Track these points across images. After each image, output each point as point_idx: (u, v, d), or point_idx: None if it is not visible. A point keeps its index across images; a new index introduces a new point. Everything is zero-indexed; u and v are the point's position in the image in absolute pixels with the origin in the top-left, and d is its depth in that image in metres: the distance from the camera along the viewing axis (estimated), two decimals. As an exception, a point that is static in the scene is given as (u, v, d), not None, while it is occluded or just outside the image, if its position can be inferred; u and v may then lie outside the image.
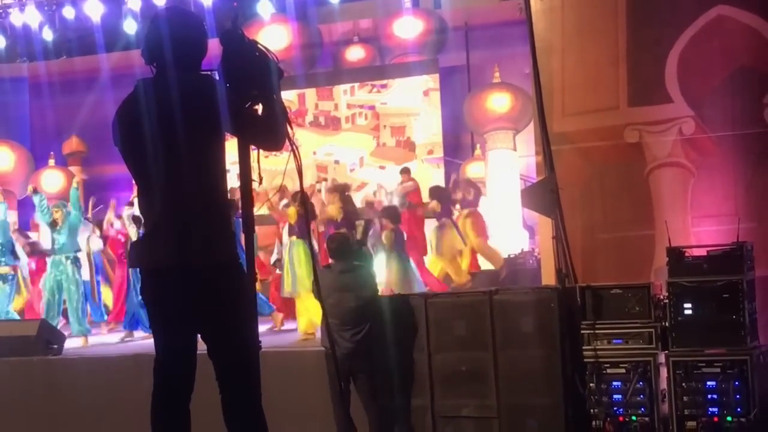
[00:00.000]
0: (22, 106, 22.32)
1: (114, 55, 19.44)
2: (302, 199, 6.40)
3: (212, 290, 4.30)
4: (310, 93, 20.73)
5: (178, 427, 4.46)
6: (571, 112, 9.28)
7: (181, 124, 4.21)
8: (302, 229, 11.78)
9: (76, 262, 13.59)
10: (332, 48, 20.80)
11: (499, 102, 18.03)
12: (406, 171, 16.11)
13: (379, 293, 9.05)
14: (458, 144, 20.29)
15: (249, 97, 4.29)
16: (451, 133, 20.12)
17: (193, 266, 4.27)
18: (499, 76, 18.29)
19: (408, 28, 20.04)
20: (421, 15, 20.25)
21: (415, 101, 20.22)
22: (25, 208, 20.47)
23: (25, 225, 18.61)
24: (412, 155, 20.14)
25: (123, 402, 9.94)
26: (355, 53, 20.76)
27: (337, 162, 20.58)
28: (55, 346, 11.73)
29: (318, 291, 5.55)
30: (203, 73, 4.40)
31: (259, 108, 4.31)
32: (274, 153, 4.49)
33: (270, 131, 4.33)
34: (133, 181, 4.44)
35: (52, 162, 20.92)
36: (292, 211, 12.14)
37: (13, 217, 17.99)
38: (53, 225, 13.74)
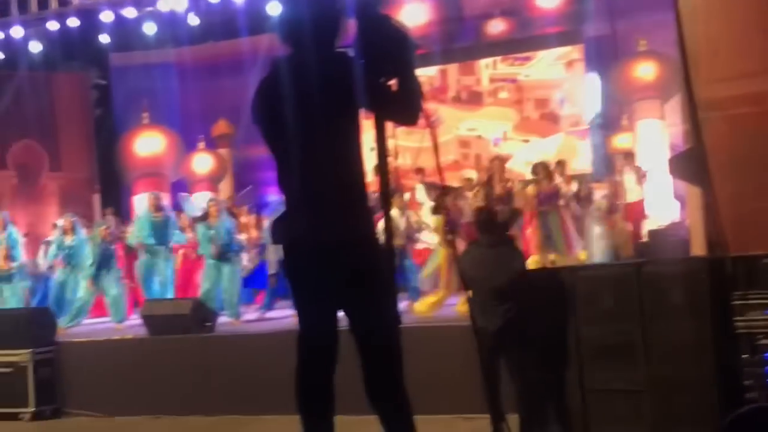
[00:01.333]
0: (171, 92, 22.91)
1: (259, 38, 19.77)
2: (441, 176, 6.35)
3: (352, 266, 4.34)
4: (452, 68, 20.71)
5: (322, 401, 4.52)
6: (718, 78, 9.02)
7: (318, 102, 4.26)
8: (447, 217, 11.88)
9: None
10: (473, 22, 20.70)
11: (645, 71, 17.75)
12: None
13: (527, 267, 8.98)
14: (605, 115, 19.99)
15: (385, 73, 4.32)
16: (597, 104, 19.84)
17: (333, 242, 4.31)
18: (645, 45, 17.94)
19: (548, -1, 19.81)
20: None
21: (559, 73, 19.99)
22: (178, 190, 21.08)
23: (177, 206, 19.13)
24: (556, 128, 19.94)
25: (273, 378, 10.14)
26: (496, 26, 20.62)
27: (479, 137, 20.52)
28: (209, 324, 12.05)
29: (461, 269, 5.53)
30: (339, 50, 4.43)
31: (394, 83, 4.33)
32: (410, 127, 4.49)
33: (406, 107, 4.35)
34: (274, 159, 4.51)
35: (201, 145, 21.46)
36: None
37: (166, 200, 18.54)
38: (203, 218, 14.17)
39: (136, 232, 15.44)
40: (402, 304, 11.67)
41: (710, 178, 8.47)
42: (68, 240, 15.17)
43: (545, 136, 20.04)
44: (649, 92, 17.69)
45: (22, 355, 11.97)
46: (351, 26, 4.39)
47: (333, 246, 4.32)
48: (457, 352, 9.43)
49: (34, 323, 12.33)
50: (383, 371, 4.43)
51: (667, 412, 8.09)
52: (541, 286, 8.61)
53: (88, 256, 15.01)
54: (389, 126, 4.43)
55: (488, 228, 8.65)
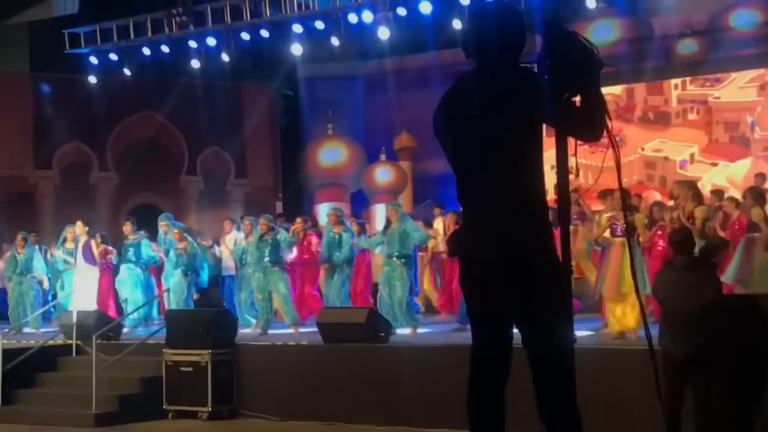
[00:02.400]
0: (356, 104, 23.26)
1: (444, 53, 19.88)
2: (622, 196, 6.22)
3: (528, 281, 4.31)
4: (639, 88, 20.35)
5: (493, 415, 4.49)
6: None
7: (500, 116, 4.25)
8: (625, 227, 11.56)
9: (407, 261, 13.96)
10: (663, 41, 20.27)
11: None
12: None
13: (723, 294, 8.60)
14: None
15: (569, 89, 4.28)
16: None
17: (509, 257, 4.30)
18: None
19: (744, 19, 19.22)
20: (758, 6, 19.36)
21: (751, 95, 19.39)
22: (357, 201, 21.39)
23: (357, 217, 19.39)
24: (746, 152, 19.34)
25: (445, 391, 10.15)
26: (687, 46, 20.13)
27: (666, 158, 20.08)
28: (383, 334, 12.14)
29: (636, 289, 5.37)
30: (523, 65, 4.42)
31: (578, 99, 4.28)
32: (592, 144, 4.43)
33: (589, 123, 4.30)
34: (454, 172, 4.52)
35: (383, 157, 21.70)
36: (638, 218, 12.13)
37: (347, 210, 18.82)
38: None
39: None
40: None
41: None
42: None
43: (734, 160, 19.44)
44: None
45: (202, 355, 12.33)
46: (537, 42, 4.37)
47: (508, 261, 4.30)
48: (634, 376, 9.25)
49: (215, 324, 12.68)
50: (555, 391, 4.37)
51: None
52: (735, 314, 8.27)
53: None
54: (571, 143, 4.38)
55: (683, 250, 8.37)
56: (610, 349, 10.32)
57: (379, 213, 20.43)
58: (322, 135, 22.19)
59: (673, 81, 20.18)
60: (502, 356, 4.48)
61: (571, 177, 4.36)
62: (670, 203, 13.87)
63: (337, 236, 14.63)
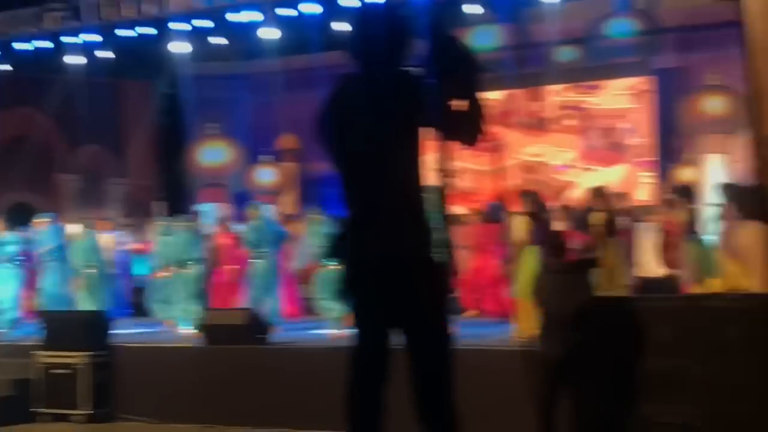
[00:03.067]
0: (239, 104, 23.10)
1: (329, 54, 19.87)
2: (506, 198, 6.31)
3: (412, 284, 4.35)
4: (519, 94, 20.67)
5: (371, 419, 4.53)
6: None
7: (386, 120, 4.30)
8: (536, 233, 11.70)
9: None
10: (542, 48, 20.66)
11: (713, 105, 17.57)
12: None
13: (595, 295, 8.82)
14: (669, 147, 19.83)
15: (451, 93, 4.34)
16: (663, 137, 19.69)
17: (391, 260, 4.34)
18: (714, 78, 17.80)
19: (621, 28, 19.70)
20: (634, 16, 19.86)
21: (626, 103, 19.88)
22: (240, 201, 21.25)
23: (238, 217, 19.30)
24: (620, 158, 19.83)
25: (324, 393, 10.14)
26: (565, 54, 20.55)
27: (544, 163, 20.46)
28: (263, 336, 12.10)
29: (533, 293, 5.53)
30: (407, 69, 4.47)
31: (460, 104, 4.35)
32: (471, 149, 4.50)
33: (469, 127, 4.37)
34: (337, 174, 4.54)
35: (267, 158, 21.62)
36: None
37: (227, 210, 18.73)
38: None
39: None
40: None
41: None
42: None
43: (609, 165, 19.92)
44: (716, 127, 17.54)
45: (77, 357, 12.11)
46: (421, 46, 4.42)
47: (390, 263, 4.34)
48: (508, 377, 9.41)
49: (90, 326, 12.48)
50: (433, 392, 4.43)
51: (722, 450, 7.99)
52: (608, 316, 8.49)
53: None
54: (453, 147, 4.45)
55: (558, 253, 8.56)
56: (489, 350, 10.46)
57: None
58: (204, 134, 22.00)
59: (552, 87, 20.57)
60: (382, 359, 4.51)
61: (449, 180, 4.43)
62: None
63: None
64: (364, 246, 4.40)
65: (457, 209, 14.33)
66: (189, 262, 14.76)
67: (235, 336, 11.84)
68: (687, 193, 12.96)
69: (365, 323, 4.53)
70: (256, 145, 21.88)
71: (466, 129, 4.38)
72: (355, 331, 4.57)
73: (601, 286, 12.42)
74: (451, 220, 4.49)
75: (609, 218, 12.86)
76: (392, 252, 4.34)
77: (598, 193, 13.27)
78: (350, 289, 4.54)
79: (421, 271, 4.36)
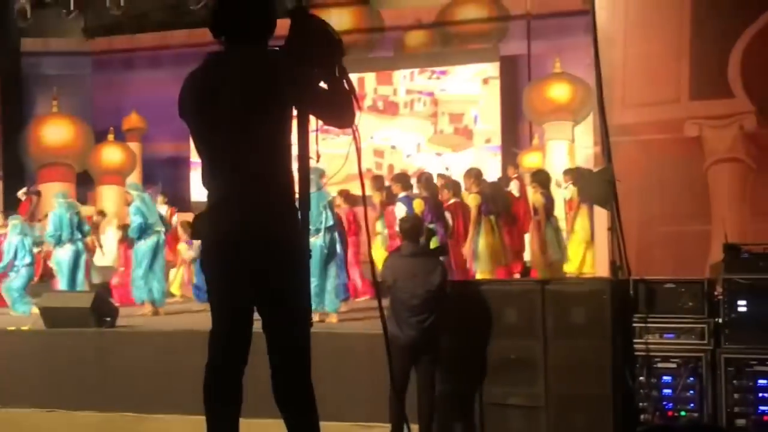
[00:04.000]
0: (84, 82, 22.57)
1: (177, 33, 19.59)
2: (361, 183, 6.22)
3: (270, 266, 4.33)
4: (370, 77, 20.75)
5: (230, 401, 4.50)
6: (631, 104, 9.21)
7: (250, 99, 4.26)
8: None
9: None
10: (393, 33, 20.80)
11: (558, 92, 17.97)
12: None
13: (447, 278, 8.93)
14: (516, 133, 20.22)
15: (317, 74, 4.33)
16: (510, 123, 20.05)
17: (253, 241, 4.31)
18: (560, 66, 18.20)
19: (471, 15, 19.98)
20: (483, 3, 20.17)
21: (475, 89, 20.17)
22: (83, 181, 20.79)
23: (81, 198, 18.89)
24: (469, 143, 20.11)
25: (174, 376, 10.06)
26: (416, 39, 20.73)
27: (393, 147, 20.60)
28: (108, 319, 11.86)
29: (373, 275, 5.57)
30: (270, 48, 4.44)
31: (325, 85, 4.35)
32: (338, 132, 4.50)
33: (337, 109, 4.37)
34: (198, 154, 4.48)
35: (111, 137, 21.16)
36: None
37: (71, 189, 18.30)
38: None
39: None
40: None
41: (617, 201, 8.60)
42: None
43: (458, 150, 20.19)
44: (561, 113, 17.93)
45: None
46: (286, 25, 4.40)
47: (251, 245, 4.31)
48: (362, 360, 9.47)
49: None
50: (291, 370, 4.42)
51: (562, 429, 8.20)
52: (459, 299, 8.62)
53: None
54: (312, 130, 4.44)
55: (411, 237, 8.61)
56: (340, 333, 10.48)
57: (105, 194, 19.98)
58: (46, 113, 21.40)
59: (402, 72, 20.72)
60: (240, 341, 4.49)
61: (312, 163, 4.42)
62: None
63: None
64: (220, 226, 4.36)
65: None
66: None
67: (79, 319, 11.56)
68: (541, 179, 13.20)
69: (223, 304, 4.50)
70: (101, 125, 21.39)
71: (335, 111, 4.37)
72: (213, 313, 4.53)
73: (480, 267, 12.68)
74: (308, 201, 4.48)
75: (482, 201, 13.05)
76: (250, 233, 4.31)
77: (471, 175, 13.43)
78: (209, 270, 4.50)
79: (276, 253, 4.34)
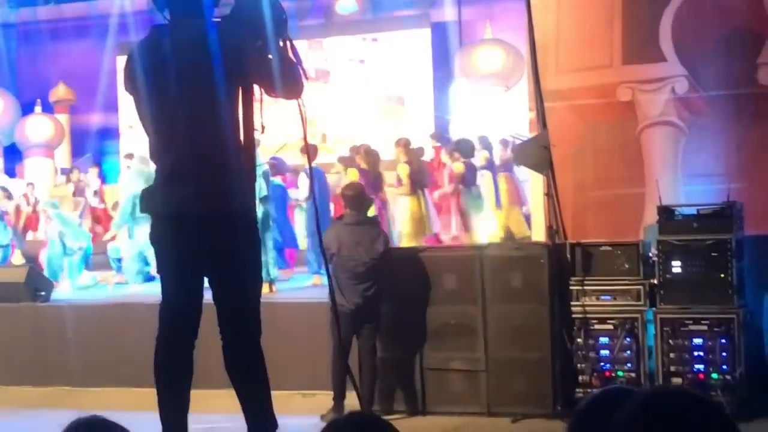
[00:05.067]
0: (8, 53, 22.15)
1: (102, 2, 19.28)
2: (306, 151, 6.13)
3: (223, 238, 4.34)
4: (301, 45, 20.61)
5: (180, 371, 4.50)
6: (564, 69, 9.28)
7: (199, 70, 4.24)
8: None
9: None
10: (323, 0, 20.68)
11: (490, 58, 17.99)
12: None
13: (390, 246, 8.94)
14: (448, 100, 20.24)
15: (259, 44, 4.32)
16: (442, 89, 20.07)
17: (206, 214, 4.30)
18: (491, 32, 18.23)
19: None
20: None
21: (406, 56, 20.15)
22: (11, 154, 20.47)
23: (10, 172, 18.61)
24: (401, 109, 20.12)
25: (112, 348, 9.99)
26: (345, 6, 20.63)
27: (327, 115, 20.53)
28: (43, 293, 11.73)
29: (320, 243, 5.57)
30: (214, 19, 4.41)
31: (270, 55, 4.34)
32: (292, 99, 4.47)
33: (285, 79, 4.36)
34: (144, 129, 4.44)
35: (38, 109, 20.82)
36: None
37: None
38: None
39: None
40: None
41: (552, 166, 8.68)
42: None
43: (390, 117, 20.19)
44: (493, 79, 17.98)
45: None
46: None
47: (205, 216, 4.30)
48: (302, 329, 9.49)
49: None
50: (242, 338, 4.44)
51: (503, 392, 8.31)
52: (400, 266, 8.66)
53: None
54: (256, 101, 4.42)
55: (355, 205, 8.62)
56: (282, 303, 10.47)
57: (31, 167, 19.65)
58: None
59: (333, 39, 20.64)
60: (192, 312, 4.49)
61: (256, 134, 4.41)
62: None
63: None
64: (172, 199, 4.34)
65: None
66: None
67: (13, 294, 11.42)
68: (464, 147, 13.26)
69: (175, 276, 4.49)
70: (28, 97, 21.02)
71: (284, 80, 4.36)
72: (164, 285, 4.52)
73: (409, 236, 12.70)
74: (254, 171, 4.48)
75: (414, 169, 13.08)
76: (199, 205, 4.30)
77: (399, 144, 13.43)
78: (160, 243, 4.48)
79: (229, 225, 4.34)
